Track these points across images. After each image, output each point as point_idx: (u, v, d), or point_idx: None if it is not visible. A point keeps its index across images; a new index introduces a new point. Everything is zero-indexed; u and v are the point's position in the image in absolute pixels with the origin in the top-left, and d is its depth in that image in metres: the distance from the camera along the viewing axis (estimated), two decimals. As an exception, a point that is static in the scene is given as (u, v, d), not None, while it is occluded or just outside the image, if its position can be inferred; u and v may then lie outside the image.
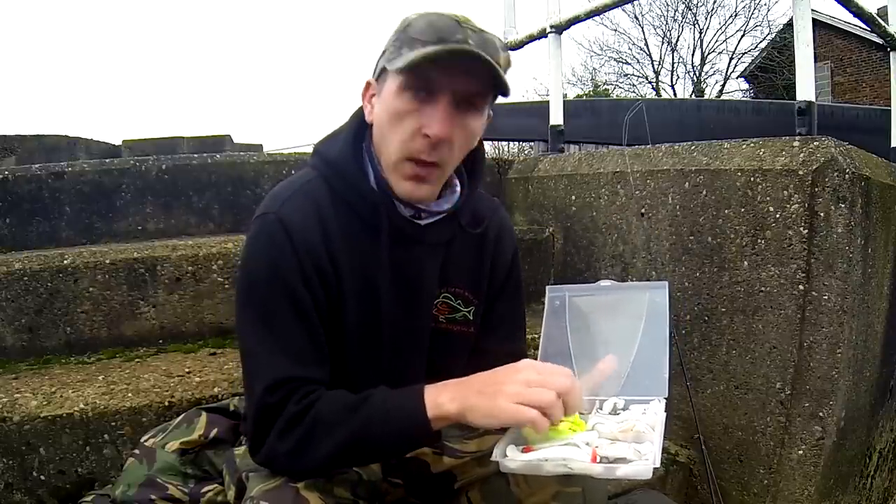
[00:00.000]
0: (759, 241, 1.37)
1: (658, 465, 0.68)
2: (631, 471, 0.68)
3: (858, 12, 2.07)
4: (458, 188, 0.89)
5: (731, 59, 17.36)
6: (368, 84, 0.85)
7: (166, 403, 1.20)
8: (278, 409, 0.76)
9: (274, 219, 0.81)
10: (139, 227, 1.96)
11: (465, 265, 0.93)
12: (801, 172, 1.29)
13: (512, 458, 0.72)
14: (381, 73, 0.82)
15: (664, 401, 0.80)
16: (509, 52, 0.82)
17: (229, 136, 4.79)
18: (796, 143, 1.35)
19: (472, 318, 0.94)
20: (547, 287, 0.94)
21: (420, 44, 0.75)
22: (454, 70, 0.76)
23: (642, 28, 18.54)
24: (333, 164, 0.85)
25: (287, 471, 0.77)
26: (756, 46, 16.53)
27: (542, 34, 2.30)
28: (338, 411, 0.76)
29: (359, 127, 0.87)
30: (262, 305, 0.80)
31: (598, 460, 0.70)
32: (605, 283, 0.95)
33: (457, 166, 0.86)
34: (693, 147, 1.56)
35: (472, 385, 0.74)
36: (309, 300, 0.80)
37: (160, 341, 1.57)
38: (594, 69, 19.31)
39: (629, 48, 18.43)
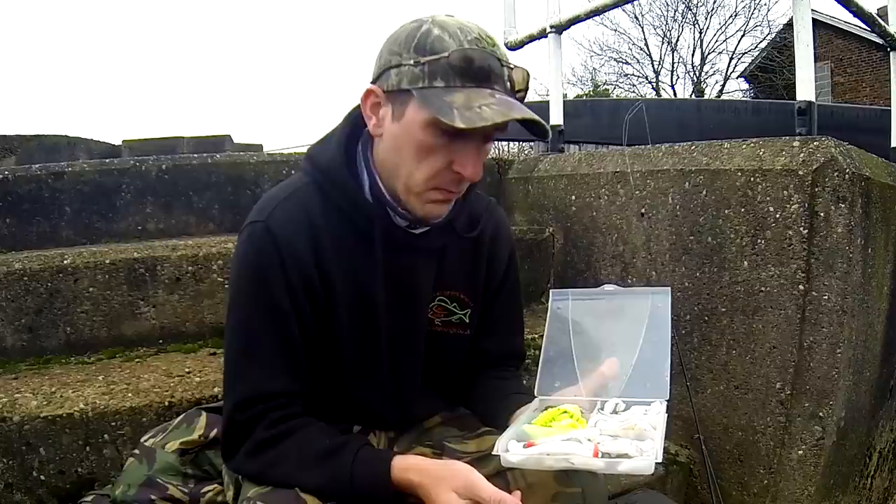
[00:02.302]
0: (759, 241, 1.36)
1: (660, 459, 0.69)
2: (633, 466, 0.68)
3: (858, 12, 2.07)
4: None
5: (731, 59, 17.40)
6: (371, 92, 0.79)
7: (166, 403, 1.20)
8: (247, 429, 0.78)
9: (263, 227, 0.81)
10: (139, 227, 1.96)
11: (461, 268, 0.93)
12: (801, 172, 1.29)
13: (514, 453, 0.72)
14: (398, 91, 0.76)
15: (665, 403, 0.81)
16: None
17: (229, 136, 4.80)
18: (796, 143, 1.35)
19: (467, 320, 0.94)
20: (550, 291, 0.94)
21: (459, 80, 0.73)
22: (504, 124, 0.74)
23: (642, 28, 18.51)
24: (325, 172, 0.84)
25: (253, 483, 0.79)
26: (756, 46, 16.57)
27: (542, 34, 2.30)
28: (307, 455, 0.77)
29: (352, 131, 0.85)
30: (244, 313, 0.81)
31: (599, 455, 0.70)
32: (608, 287, 0.95)
33: None
34: (693, 147, 1.56)
35: (428, 485, 0.74)
36: (292, 312, 0.81)
37: (160, 341, 1.57)
38: (594, 69, 19.36)
39: (629, 48, 18.46)
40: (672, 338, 1.46)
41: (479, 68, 0.73)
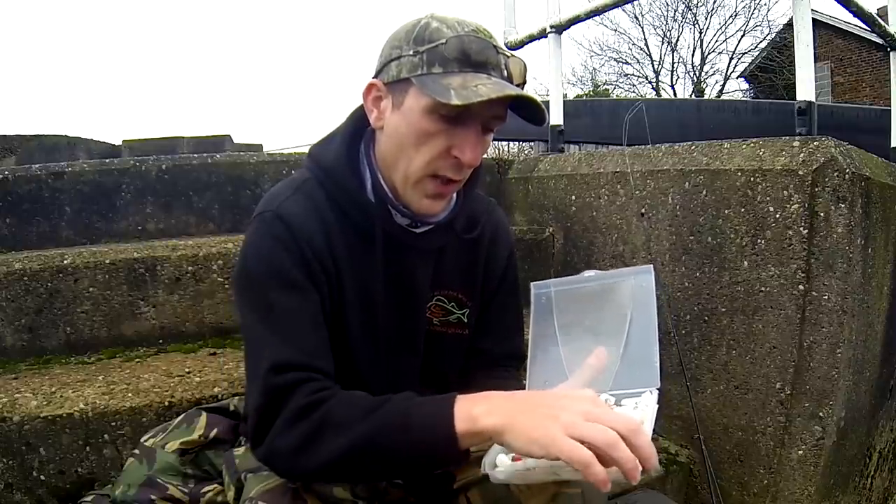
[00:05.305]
0: (759, 241, 1.36)
1: None
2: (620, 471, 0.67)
3: (858, 12, 2.07)
4: (454, 196, 0.89)
5: (731, 59, 17.41)
6: (373, 86, 0.81)
7: (166, 403, 1.20)
8: (286, 394, 0.71)
9: (273, 216, 0.80)
10: (139, 227, 1.96)
11: (459, 267, 0.93)
12: (801, 172, 1.29)
13: (501, 469, 0.69)
14: (398, 82, 0.77)
15: (657, 391, 0.77)
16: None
17: (229, 136, 4.80)
18: (796, 143, 1.35)
19: (466, 319, 0.94)
20: (531, 283, 0.90)
21: (457, 66, 0.74)
22: (500, 105, 0.75)
23: (642, 28, 18.60)
24: (328, 170, 0.84)
25: (287, 470, 0.74)
26: (756, 46, 16.58)
27: (542, 34, 2.30)
28: (352, 412, 0.69)
29: (356, 130, 0.86)
30: (265, 298, 0.78)
31: None
32: (588, 273, 0.91)
33: None
34: (693, 147, 1.56)
35: (517, 401, 0.65)
36: (312, 290, 0.79)
37: (160, 341, 1.57)
38: (594, 69, 19.39)
39: (629, 48, 18.51)
40: (672, 336, 1.48)
41: (476, 55, 0.74)
